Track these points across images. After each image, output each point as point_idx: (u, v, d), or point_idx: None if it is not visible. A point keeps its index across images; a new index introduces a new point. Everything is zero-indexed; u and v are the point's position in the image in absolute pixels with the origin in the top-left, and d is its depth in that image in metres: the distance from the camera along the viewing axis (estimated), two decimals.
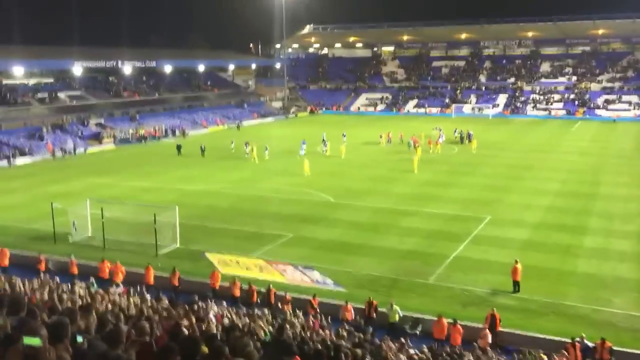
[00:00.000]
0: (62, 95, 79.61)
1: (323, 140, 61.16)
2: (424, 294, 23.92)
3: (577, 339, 18.22)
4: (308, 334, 15.12)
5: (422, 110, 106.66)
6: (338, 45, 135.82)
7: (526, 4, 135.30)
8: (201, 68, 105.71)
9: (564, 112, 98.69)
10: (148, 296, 20.08)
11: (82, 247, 29.82)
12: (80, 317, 7.27)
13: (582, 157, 55.71)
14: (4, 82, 77.80)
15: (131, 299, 18.28)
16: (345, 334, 16.98)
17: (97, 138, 71.28)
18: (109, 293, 19.40)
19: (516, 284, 23.70)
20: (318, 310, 21.61)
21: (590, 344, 17.97)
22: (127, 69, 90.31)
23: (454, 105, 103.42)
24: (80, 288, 19.81)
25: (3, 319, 6.05)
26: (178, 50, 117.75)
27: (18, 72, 76.27)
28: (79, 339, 5.46)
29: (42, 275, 23.40)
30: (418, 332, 20.59)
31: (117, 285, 22.85)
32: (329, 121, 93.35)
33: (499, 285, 24.31)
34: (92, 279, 23.52)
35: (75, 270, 25.93)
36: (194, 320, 12.50)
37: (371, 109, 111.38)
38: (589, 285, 24.30)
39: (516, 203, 37.85)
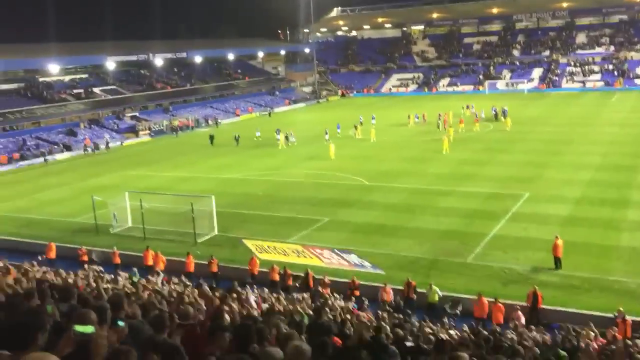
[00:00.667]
0: (97, 90, 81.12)
1: (360, 122, 62.73)
2: (463, 273, 23.75)
3: (615, 313, 17.90)
4: (348, 316, 15.19)
5: (455, 88, 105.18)
6: (366, 26, 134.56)
7: None
8: (231, 57, 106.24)
9: (602, 83, 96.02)
10: (189, 284, 20.45)
11: (123, 238, 30.51)
12: (125, 305, 7.44)
13: (622, 129, 54.19)
14: (41, 79, 79.68)
15: (173, 287, 18.65)
16: (385, 315, 16.99)
17: (132, 131, 72.53)
18: (151, 282, 19.83)
19: (558, 260, 23.32)
20: (358, 292, 21.71)
21: (630, 318, 17.61)
22: (159, 61, 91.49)
23: (487, 82, 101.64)
24: (123, 278, 20.30)
25: (52, 307, 6.25)
26: (207, 40, 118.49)
27: (53, 69, 78.00)
28: (121, 323, 5.59)
29: (86, 266, 24.03)
30: (458, 312, 20.48)
31: (159, 274, 23.31)
32: (361, 103, 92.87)
33: (540, 262, 23.98)
34: (135, 269, 24.06)
35: (118, 260, 26.62)
36: (235, 305, 12.68)
37: (403, 89, 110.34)
38: (634, 260, 23.76)
39: (555, 179, 37.13)
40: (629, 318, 17.53)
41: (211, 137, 60.55)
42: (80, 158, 59.52)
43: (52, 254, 27.64)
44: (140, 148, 64.11)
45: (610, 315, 18.17)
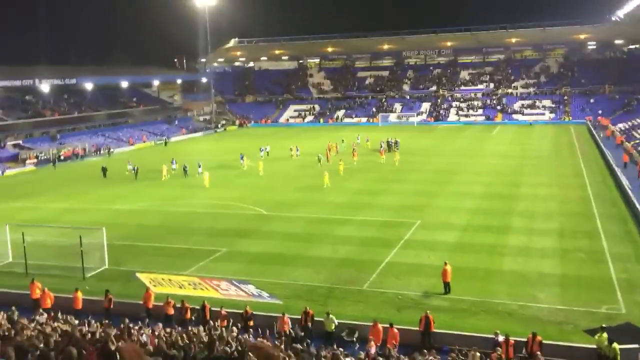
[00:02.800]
0: None
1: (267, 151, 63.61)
2: (360, 300, 24.10)
3: (492, 335, 18.87)
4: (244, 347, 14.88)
5: (350, 119, 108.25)
6: (264, 58, 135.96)
7: (445, 15, 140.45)
8: (124, 84, 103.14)
9: (483, 117, 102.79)
10: (76, 321, 19.25)
11: (1, 275, 28.26)
12: (1, 346, 6.86)
13: (503, 160, 58.04)
14: None
15: (58, 326, 17.46)
16: (282, 345, 16.83)
17: (15, 160, 67.99)
18: (34, 321, 18.45)
19: (447, 285, 24.28)
20: (252, 322, 21.40)
21: (501, 339, 18.55)
22: (45, 87, 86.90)
23: (380, 115, 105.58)
24: (1, 318, 18.73)
25: None
26: (99, 67, 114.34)
27: None
28: None
29: None
30: (355, 339, 20.70)
31: (42, 313, 21.73)
32: (258, 134, 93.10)
33: (431, 288, 24.84)
34: (14, 308, 22.28)
35: None
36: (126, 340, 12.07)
37: (300, 120, 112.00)
38: (515, 283, 25.22)
39: (444, 207, 38.90)
40: (512, 339, 18.46)
41: (104, 170, 56.66)
42: None
43: None
44: (24, 178, 60.15)
45: (492, 336, 19.09)
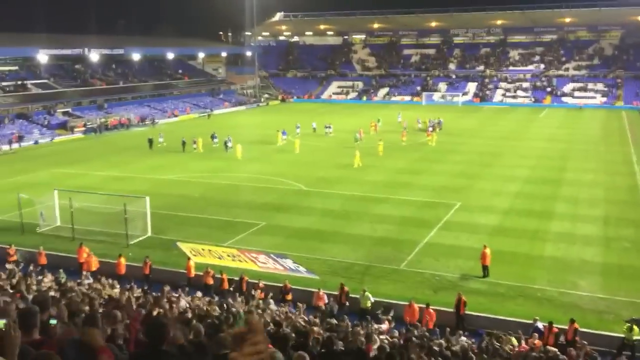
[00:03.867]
0: (28, 83, 77.79)
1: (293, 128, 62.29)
2: (396, 280, 24.19)
3: (531, 321, 18.70)
4: (280, 318, 15.18)
5: (395, 98, 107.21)
6: (309, 33, 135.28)
7: None
8: (170, 56, 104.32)
9: (531, 99, 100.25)
10: (118, 286, 19.96)
11: (50, 238, 29.39)
12: (51, 306, 7.20)
13: (549, 144, 56.73)
14: None
15: (102, 289, 18.12)
16: (317, 319, 17.09)
17: (64, 127, 69.97)
18: (80, 284, 19.20)
19: (485, 268, 24.13)
20: (290, 296, 21.75)
21: (541, 326, 18.37)
22: (94, 56, 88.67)
23: (424, 94, 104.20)
24: (49, 279, 19.55)
25: None
26: (147, 38, 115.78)
27: None
28: (53, 321, 5.43)
29: (11, 265, 22.97)
30: (390, 318, 20.84)
31: (87, 277, 22.57)
32: (300, 109, 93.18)
33: (469, 270, 24.73)
34: (61, 270, 23.21)
35: (44, 261, 25.55)
36: (166, 308, 12.46)
37: (342, 97, 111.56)
38: (556, 269, 24.87)
39: (486, 189, 38.42)
40: (555, 326, 18.24)
41: (150, 141, 56.51)
42: (7, 154, 56.84)
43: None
44: (72, 145, 61.91)
45: (531, 322, 18.93)
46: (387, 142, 53.76)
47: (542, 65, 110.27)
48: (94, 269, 24.60)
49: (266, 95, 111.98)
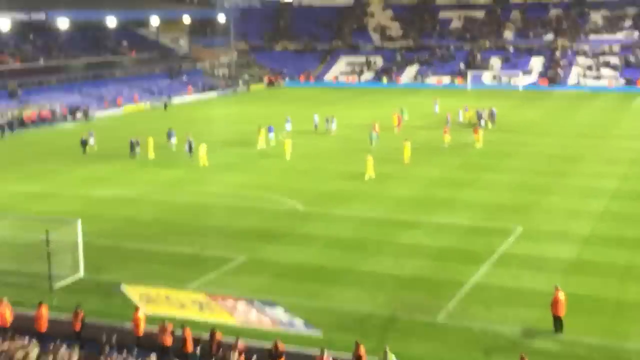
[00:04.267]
0: None
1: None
2: (432, 337, 24.10)
3: None
4: None
5: (428, 80, 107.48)
6: None
7: None
8: (112, 22, 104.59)
9: (622, 81, 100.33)
10: (36, 349, 19.97)
11: None
12: None
13: None
14: None
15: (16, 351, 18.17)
16: None
17: None
18: None
19: (558, 320, 24.01)
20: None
21: None
22: (4, 23, 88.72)
23: (470, 73, 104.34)
24: None
25: None
26: None
27: None
28: None
29: None
30: None
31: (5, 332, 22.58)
32: (295, 96, 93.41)
33: (535, 323, 24.62)
34: None
35: None
36: None
37: (354, 78, 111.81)
38: None
39: (558, 208, 38.37)
40: None
41: (83, 142, 56.99)
42: None
43: None
44: None
45: None
46: (418, 142, 53.81)
47: (637, 33, 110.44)
48: (8, 324, 24.59)
49: (246, 77, 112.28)
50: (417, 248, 32.40)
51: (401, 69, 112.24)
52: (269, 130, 59.24)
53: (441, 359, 21.93)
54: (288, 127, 63.89)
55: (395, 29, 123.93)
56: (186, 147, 54.02)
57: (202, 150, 51.06)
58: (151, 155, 54.21)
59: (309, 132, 62.99)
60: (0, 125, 70.38)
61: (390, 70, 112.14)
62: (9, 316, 25.00)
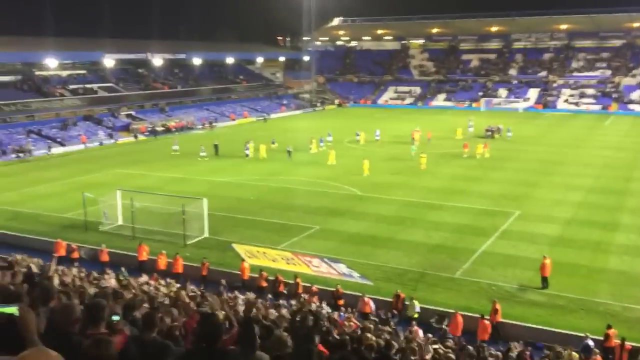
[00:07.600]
0: (94, 86, 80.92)
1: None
2: (451, 288, 23.81)
3: (583, 335, 18.06)
4: (333, 326, 15.17)
5: (450, 103, 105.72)
6: (366, 37, 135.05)
7: None
8: (230, 60, 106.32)
9: (597, 106, 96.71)
10: (177, 285, 20.42)
11: (112, 236, 30.39)
12: (110, 302, 7.44)
13: (615, 153, 54.59)
14: (38, 73, 79.37)
15: (160, 287, 18.60)
16: (371, 326, 16.98)
17: (127, 129, 72.33)
18: (139, 281, 19.77)
19: (545, 279, 23.44)
20: (342, 301, 21.69)
21: (591, 343, 17.62)
22: (157, 61, 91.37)
23: (483, 99, 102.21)
24: (110, 276, 20.22)
25: None
26: (207, 43, 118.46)
27: (51, 63, 77.67)
28: (115, 317, 5.59)
29: (74, 263, 23.90)
30: (445, 327, 20.51)
31: (148, 274, 23.21)
32: (357, 114, 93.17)
33: (528, 281, 24.08)
34: (123, 269, 23.95)
35: (106, 258, 26.47)
36: (226, 308, 12.65)
37: (399, 102, 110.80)
38: (620, 283, 23.90)
39: (547, 198, 37.34)
40: (628, 343, 17.51)
41: (216, 147, 55.45)
42: (75, 154, 59.24)
43: (62, 252, 26.49)
44: (135, 147, 63.94)
45: (597, 337, 18.22)
46: (444, 150, 52.92)
47: (609, 72, 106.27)
48: (163, 267, 25.28)
49: (322, 100, 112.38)
50: (441, 224, 32.00)
51: (433, 96, 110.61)
52: (328, 135, 58.87)
53: (458, 304, 21.62)
54: (329, 138, 60.57)
55: (429, 66, 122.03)
56: (287, 154, 52.61)
57: (262, 149, 52.12)
58: (262, 155, 52.64)
59: (373, 142, 62.12)
60: (153, 131, 72.53)
61: (425, 96, 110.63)
62: (163, 264, 25.75)
